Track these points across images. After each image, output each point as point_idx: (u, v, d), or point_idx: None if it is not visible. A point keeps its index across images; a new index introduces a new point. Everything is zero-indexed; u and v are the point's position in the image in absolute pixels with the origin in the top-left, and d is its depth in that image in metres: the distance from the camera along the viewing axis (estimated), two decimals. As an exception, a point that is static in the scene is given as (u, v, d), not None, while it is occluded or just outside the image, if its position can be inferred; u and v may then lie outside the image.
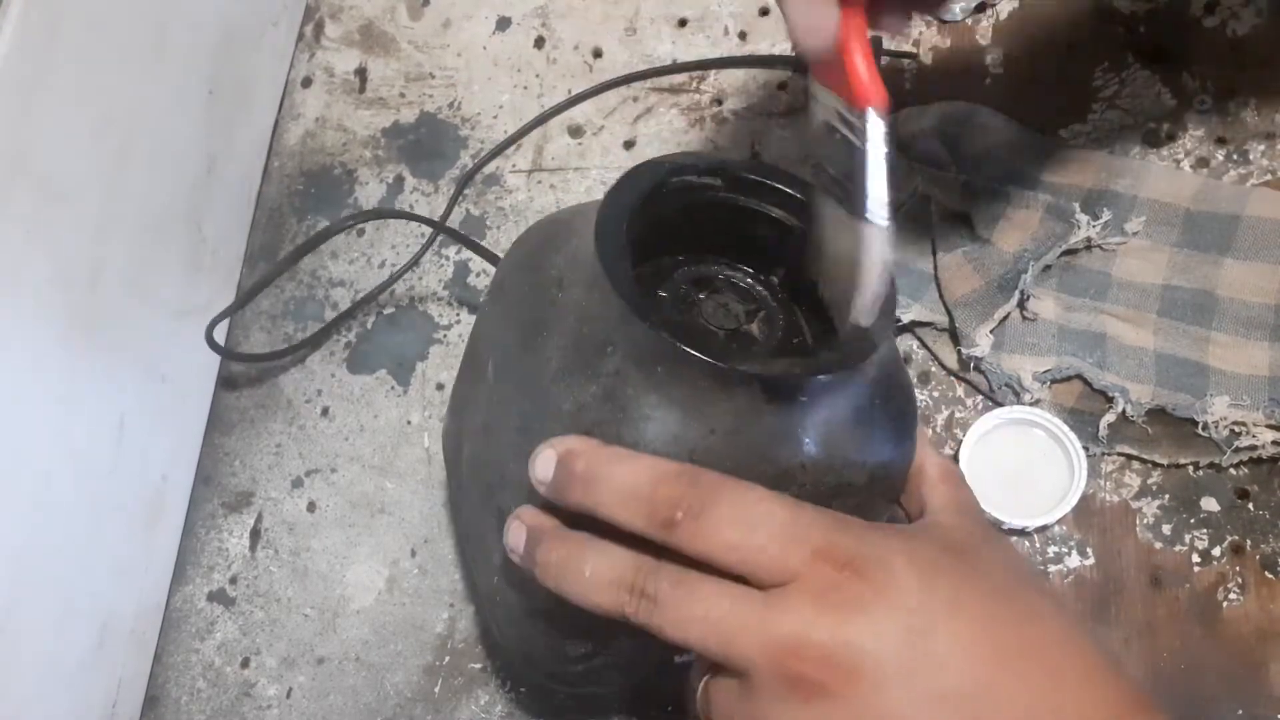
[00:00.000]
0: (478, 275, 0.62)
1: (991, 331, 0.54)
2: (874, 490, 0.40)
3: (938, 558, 0.35)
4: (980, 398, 0.55)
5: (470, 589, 0.56)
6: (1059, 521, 0.52)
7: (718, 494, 0.34)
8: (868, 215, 0.36)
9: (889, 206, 0.36)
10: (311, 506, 0.59)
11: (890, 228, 0.36)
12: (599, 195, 0.62)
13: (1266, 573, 0.50)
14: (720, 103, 0.64)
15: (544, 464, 0.36)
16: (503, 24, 0.68)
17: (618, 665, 0.44)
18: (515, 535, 0.38)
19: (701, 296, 0.44)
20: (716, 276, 0.45)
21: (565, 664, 0.43)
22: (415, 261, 0.61)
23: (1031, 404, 0.54)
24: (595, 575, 0.35)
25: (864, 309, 0.37)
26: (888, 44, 0.61)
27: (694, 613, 0.33)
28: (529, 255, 0.44)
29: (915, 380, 0.56)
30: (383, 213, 0.55)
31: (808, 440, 0.38)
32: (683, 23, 0.66)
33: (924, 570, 0.34)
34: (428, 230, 0.63)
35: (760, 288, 0.45)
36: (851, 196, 0.36)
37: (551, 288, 0.40)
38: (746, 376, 0.36)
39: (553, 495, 0.36)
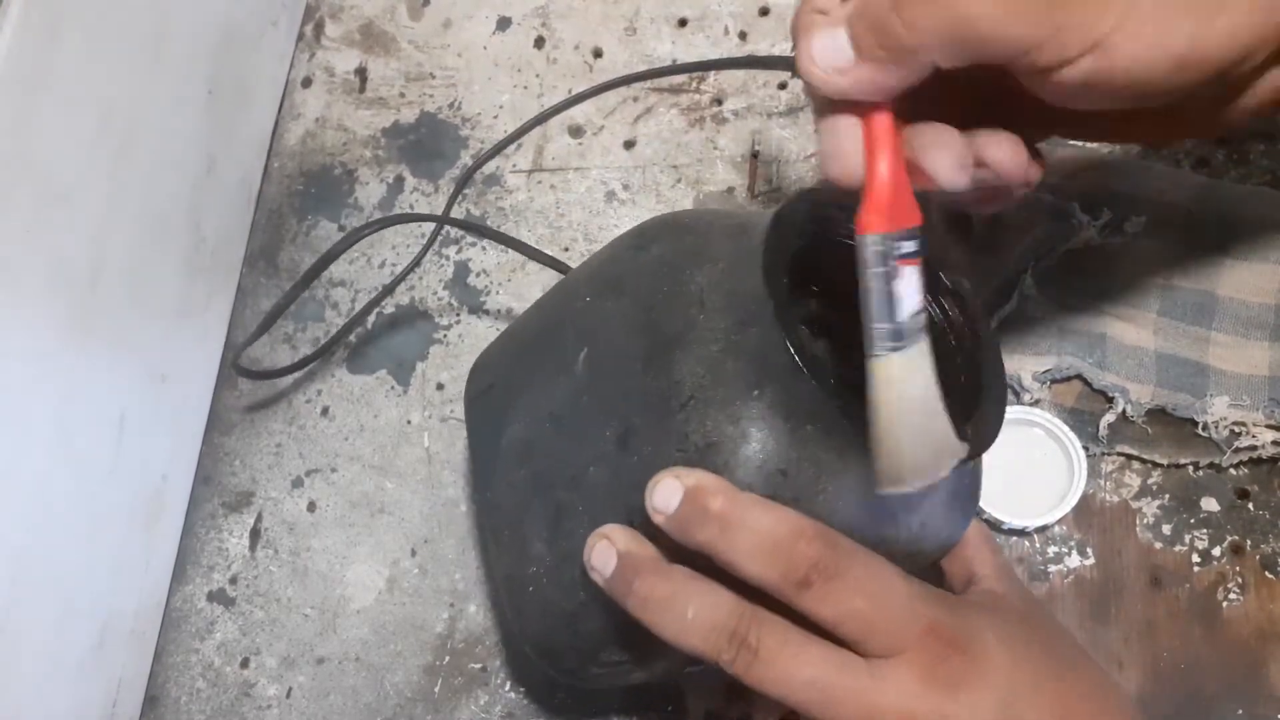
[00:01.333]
0: (478, 275, 0.62)
1: (991, 331, 0.54)
2: (933, 557, 0.42)
3: (1018, 632, 0.38)
4: (980, 398, 0.55)
5: (485, 566, 0.56)
6: (1059, 521, 0.52)
7: (853, 560, 0.34)
8: (871, 351, 0.33)
9: (892, 337, 0.33)
10: (311, 506, 0.59)
11: (919, 354, 0.33)
12: (599, 195, 0.63)
13: (1266, 573, 0.50)
14: (720, 103, 0.64)
15: (667, 493, 0.34)
16: (503, 24, 0.68)
17: (641, 672, 0.43)
18: (602, 557, 0.36)
19: (809, 333, 0.43)
20: (820, 316, 0.44)
21: (590, 665, 0.43)
22: (417, 261, 0.61)
23: (1031, 404, 0.54)
24: (697, 618, 0.34)
25: (887, 475, 0.34)
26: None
27: (801, 674, 0.34)
28: (663, 262, 0.41)
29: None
30: (390, 220, 0.55)
31: (904, 520, 0.38)
32: (683, 23, 0.66)
33: (1012, 646, 0.36)
34: (429, 229, 0.63)
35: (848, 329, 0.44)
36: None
37: (691, 306, 0.38)
38: None
39: (673, 528, 0.35)
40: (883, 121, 0.34)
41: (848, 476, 0.36)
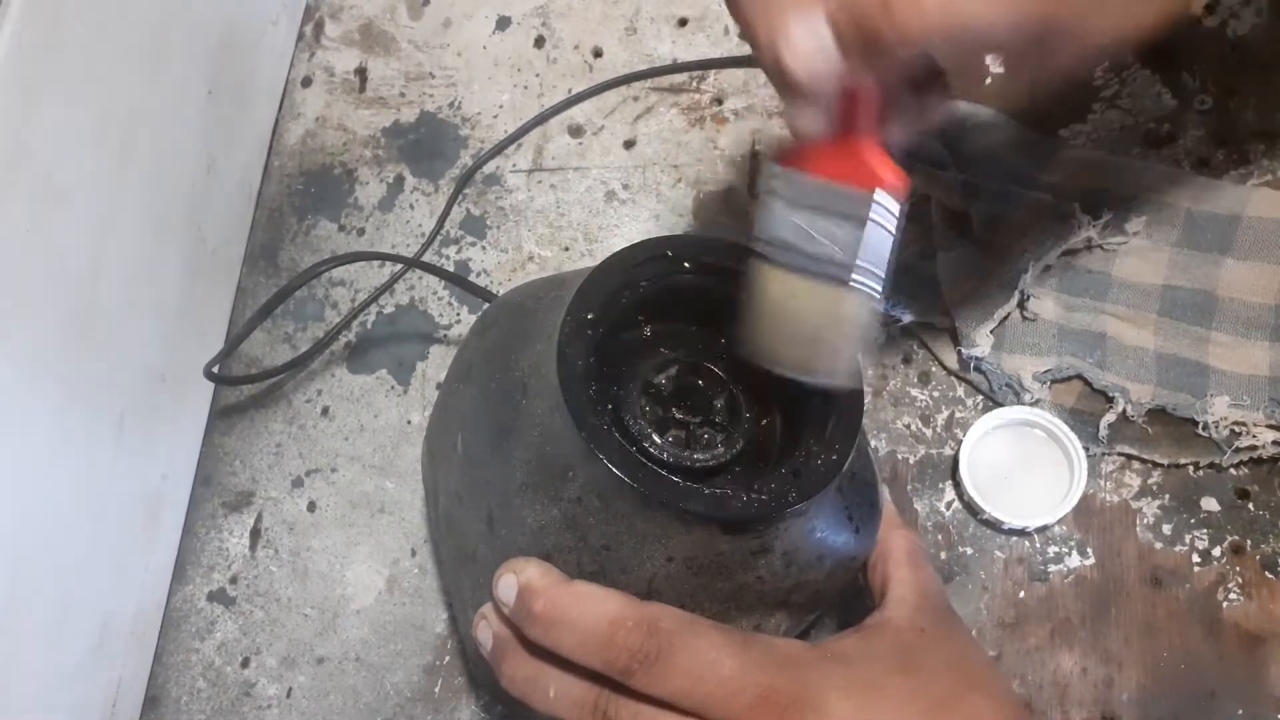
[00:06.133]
0: (478, 275, 0.62)
1: (991, 331, 0.54)
2: (832, 580, 0.42)
3: (879, 680, 0.37)
4: (980, 398, 0.55)
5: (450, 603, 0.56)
6: (1059, 521, 0.52)
7: (672, 643, 0.36)
8: (856, 284, 0.37)
9: (884, 281, 0.37)
10: (311, 506, 0.59)
11: (879, 299, 0.37)
12: (599, 195, 0.63)
13: (1266, 573, 0.50)
14: (720, 103, 0.64)
15: (506, 588, 0.38)
16: (503, 23, 0.68)
17: None
18: (482, 634, 0.40)
19: (664, 383, 0.43)
20: (676, 362, 0.44)
21: (535, 714, 0.45)
22: (413, 264, 0.61)
23: (1031, 404, 0.54)
24: (558, 696, 0.37)
25: (836, 371, 0.38)
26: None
27: None
28: (496, 348, 0.43)
29: (915, 380, 0.56)
30: (353, 256, 0.56)
31: (764, 562, 0.39)
32: (683, 22, 0.66)
33: (862, 700, 0.36)
34: (427, 227, 0.63)
35: (716, 367, 0.44)
36: (822, 265, 0.37)
37: (516, 392, 0.40)
38: (705, 518, 0.37)
39: (515, 622, 0.38)
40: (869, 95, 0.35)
41: (675, 541, 0.37)
